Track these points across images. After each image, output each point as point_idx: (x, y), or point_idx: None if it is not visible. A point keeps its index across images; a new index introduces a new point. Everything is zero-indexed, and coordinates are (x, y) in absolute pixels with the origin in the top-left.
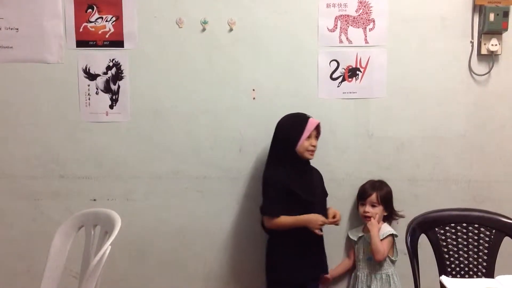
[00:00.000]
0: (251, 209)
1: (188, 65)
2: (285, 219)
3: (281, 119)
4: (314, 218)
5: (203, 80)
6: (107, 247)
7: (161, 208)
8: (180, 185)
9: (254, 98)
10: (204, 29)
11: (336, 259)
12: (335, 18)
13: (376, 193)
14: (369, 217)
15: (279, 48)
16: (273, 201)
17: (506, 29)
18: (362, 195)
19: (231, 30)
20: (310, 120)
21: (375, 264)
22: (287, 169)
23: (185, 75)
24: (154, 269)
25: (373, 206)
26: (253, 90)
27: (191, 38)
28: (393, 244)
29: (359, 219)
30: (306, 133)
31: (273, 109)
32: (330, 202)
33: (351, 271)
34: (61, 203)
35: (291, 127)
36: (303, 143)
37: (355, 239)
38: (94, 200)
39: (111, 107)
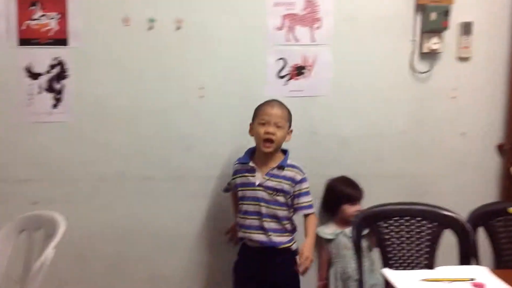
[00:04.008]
0: (198, 209)
1: (134, 64)
2: None
3: None
4: None
5: (149, 79)
6: (50, 250)
7: (106, 210)
8: (125, 186)
9: (202, 97)
10: (151, 28)
11: None
12: (283, 16)
13: (362, 191)
14: None
15: (227, 47)
16: None
17: (446, 28)
18: (354, 197)
19: (178, 28)
20: None
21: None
22: None
23: (132, 74)
24: (99, 272)
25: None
26: (201, 89)
27: (137, 37)
28: None
29: (321, 217)
30: None
31: (220, 108)
32: None
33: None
34: (0, 207)
35: None
36: None
37: (332, 237)
38: (35, 203)
39: (54, 106)
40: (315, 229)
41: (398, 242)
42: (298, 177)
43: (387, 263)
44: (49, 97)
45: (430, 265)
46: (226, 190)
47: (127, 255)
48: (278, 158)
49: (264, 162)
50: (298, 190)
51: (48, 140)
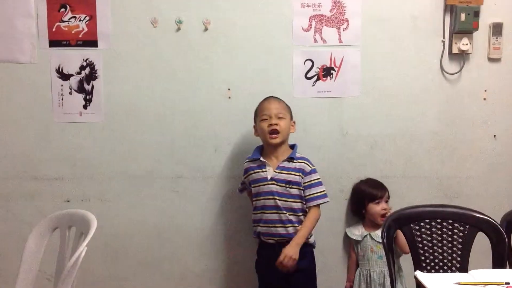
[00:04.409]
0: (226, 208)
1: (162, 65)
2: None
3: None
4: None
5: (177, 80)
6: (83, 248)
7: (136, 208)
8: (155, 185)
9: (229, 98)
10: (179, 29)
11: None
12: (310, 18)
13: (387, 190)
14: (385, 214)
15: (254, 48)
16: None
17: (476, 29)
18: (375, 195)
19: (206, 29)
20: None
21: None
22: None
23: (160, 74)
24: (130, 269)
25: (386, 202)
26: (228, 89)
27: (165, 38)
28: None
29: (350, 218)
30: None
31: (248, 109)
32: None
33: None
34: (34, 205)
35: None
36: None
37: (360, 239)
38: (68, 201)
39: (84, 107)
40: (313, 222)
41: (430, 244)
42: (308, 169)
43: (418, 266)
44: (79, 98)
45: (463, 268)
46: (241, 190)
47: (158, 252)
48: (287, 152)
49: (273, 157)
50: (308, 182)
51: (79, 139)
